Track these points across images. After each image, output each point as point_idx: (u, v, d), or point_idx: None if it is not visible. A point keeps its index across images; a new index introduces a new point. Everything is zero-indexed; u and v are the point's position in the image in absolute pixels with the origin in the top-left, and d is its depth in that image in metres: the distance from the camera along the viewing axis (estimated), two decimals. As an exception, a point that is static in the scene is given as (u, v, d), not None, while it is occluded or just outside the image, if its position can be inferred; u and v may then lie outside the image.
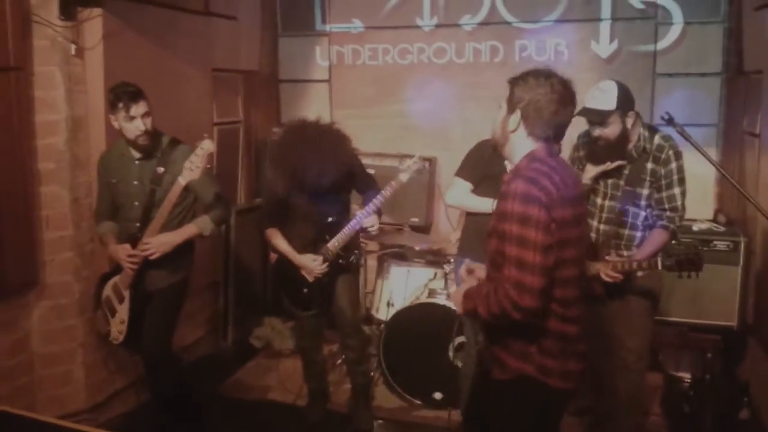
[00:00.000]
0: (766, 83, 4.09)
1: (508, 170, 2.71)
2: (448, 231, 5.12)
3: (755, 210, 3.36)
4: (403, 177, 3.83)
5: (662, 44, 5.00)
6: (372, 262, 5.35)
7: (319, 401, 4.30)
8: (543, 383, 2.40)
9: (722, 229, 4.59)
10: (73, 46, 3.85)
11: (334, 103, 5.81)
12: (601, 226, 3.46)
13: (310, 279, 3.88)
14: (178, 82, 4.72)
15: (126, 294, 3.66)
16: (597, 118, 3.24)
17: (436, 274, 4.73)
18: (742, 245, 4.37)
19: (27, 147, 3.72)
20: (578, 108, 2.54)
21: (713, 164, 3.48)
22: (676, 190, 3.31)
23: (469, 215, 3.86)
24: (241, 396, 4.61)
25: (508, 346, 2.45)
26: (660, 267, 3.19)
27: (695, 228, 4.58)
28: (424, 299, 4.48)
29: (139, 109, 3.44)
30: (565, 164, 2.48)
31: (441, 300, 4.37)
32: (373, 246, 5.41)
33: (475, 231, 3.69)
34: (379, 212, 3.92)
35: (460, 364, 4.03)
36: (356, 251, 4.05)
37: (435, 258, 4.98)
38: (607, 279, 3.27)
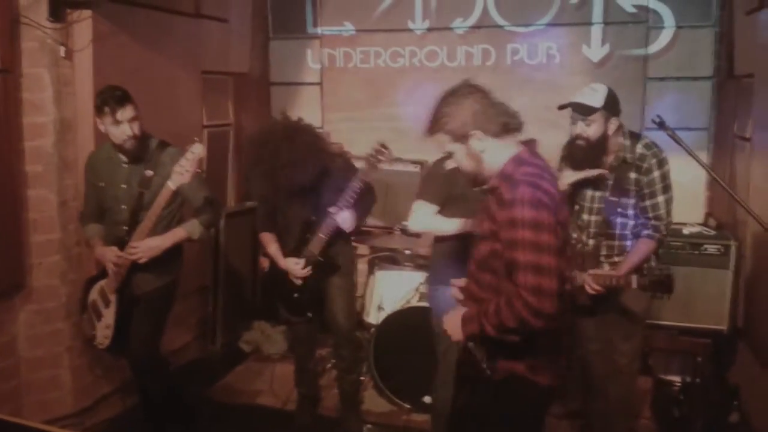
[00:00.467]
0: (756, 87, 4.09)
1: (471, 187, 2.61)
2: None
3: (745, 214, 3.37)
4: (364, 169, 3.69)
5: (653, 48, 5.03)
6: (362, 266, 5.32)
7: (308, 406, 4.28)
8: (533, 381, 2.40)
9: (713, 232, 4.60)
10: (62, 48, 3.82)
11: (325, 106, 5.80)
12: (590, 241, 3.46)
13: (297, 282, 3.86)
14: (167, 85, 4.69)
15: (112, 298, 3.63)
16: (582, 110, 3.26)
17: (426, 278, 4.70)
18: (733, 249, 4.38)
19: (15, 149, 3.69)
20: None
21: (704, 167, 3.48)
22: (660, 199, 3.31)
23: (437, 241, 3.62)
24: (230, 400, 4.58)
25: (497, 346, 2.41)
26: (635, 286, 3.21)
27: (686, 231, 4.58)
28: (414, 303, 4.46)
29: (125, 113, 3.40)
30: (548, 164, 2.47)
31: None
32: (363, 249, 5.39)
33: (444, 255, 3.53)
34: (356, 209, 3.76)
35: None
36: (342, 253, 3.97)
37: (426, 261, 4.94)
38: (590, 291, 3.28)
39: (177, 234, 3.62)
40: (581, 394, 3.86)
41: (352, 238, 4.08)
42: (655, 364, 4.53)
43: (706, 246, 4.43)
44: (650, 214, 3.33)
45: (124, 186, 3.60)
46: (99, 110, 3.42)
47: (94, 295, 3.72)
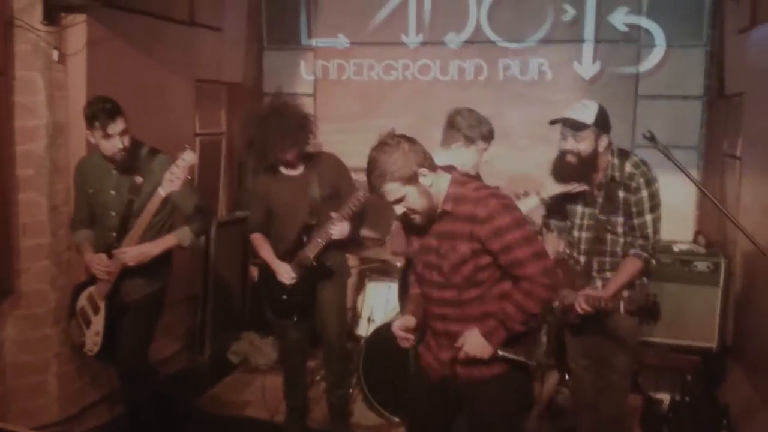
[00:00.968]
0: (746, 106, 4.13)
1: None
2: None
3: (735, 232, 3.38)
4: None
5: (645, 66, 5.07)
6: (352, 278, 5.30)
7: (297, 418, 4.24)
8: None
9: (703, 250, 4.62)
10: (55, 52, 3.81)
11: (318, 118, 5.76)
12: (582, 258, 3.47)
13: (286, 282, 3.83)
14: (160, 91, 4.69)
15: (101, 305, 3.60)
16: (573, 125, 3.25)
17: (417, 290, 4.69)
18: (723, 266, 4.39)
19: (6, 152, 3.67)
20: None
21: (693, 182, 3.47)
22: (648, 218, 3.31)
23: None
24: (218, 411, 4.54)
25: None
26: (622, 311, 3.21)
27: (676, 249, 4.60)
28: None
29: (116, 127, 3.38)
30: None
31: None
32: (353, 261, 5.37)
33: None
34: (354, 219, 3.80)
35: None
36: (335, 263, 3.96)
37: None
38: (580, 311, 3.28)
39: (167, 241, 3.59)
40: (573, 410, 3.85)
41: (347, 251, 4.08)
42: (645, 382, 4.53)
43: (696, 263, 4.44)
44: (638, 233, 3.33)
45: (113, 193, 3.58)
46: (89, 123, 3.39)
47: (82, 301, 3.68)
